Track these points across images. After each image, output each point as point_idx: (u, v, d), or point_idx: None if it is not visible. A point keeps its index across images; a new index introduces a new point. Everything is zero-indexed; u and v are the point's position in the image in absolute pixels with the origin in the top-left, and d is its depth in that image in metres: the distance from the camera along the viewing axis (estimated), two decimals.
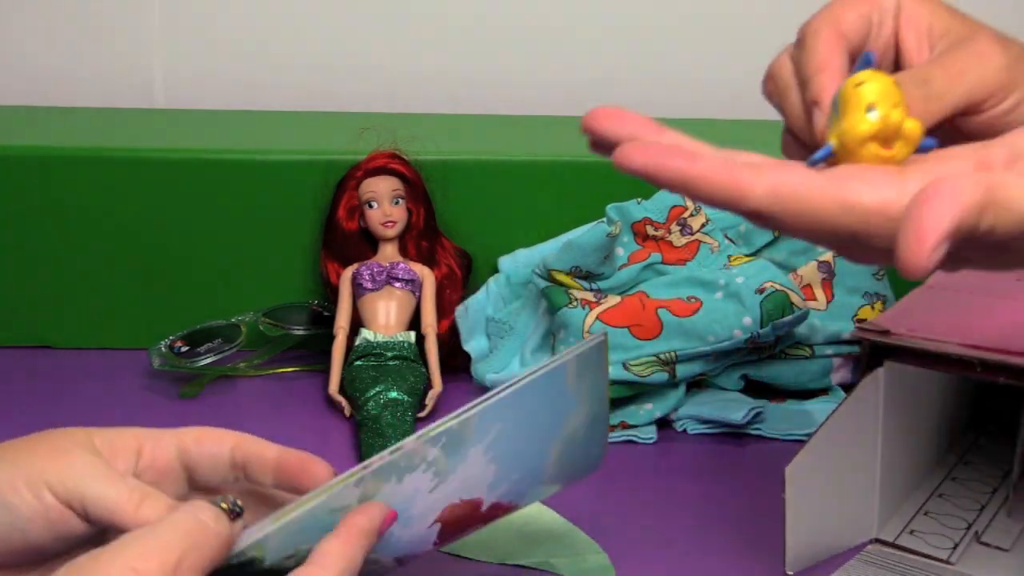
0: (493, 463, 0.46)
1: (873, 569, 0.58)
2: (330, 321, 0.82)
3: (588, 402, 0.48)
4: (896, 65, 0.45)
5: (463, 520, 0.47)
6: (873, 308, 0.80)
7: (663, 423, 0.76)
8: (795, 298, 0.74)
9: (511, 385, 0.45)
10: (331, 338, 0.80)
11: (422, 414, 0.76)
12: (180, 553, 0.37)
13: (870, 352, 0.57)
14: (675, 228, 0.79)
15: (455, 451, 0.44)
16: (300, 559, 0.41)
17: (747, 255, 0.80)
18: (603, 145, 0.38)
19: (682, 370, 0.75)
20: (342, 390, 0.77)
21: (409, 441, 0.43)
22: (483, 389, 0.79)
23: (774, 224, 0.36)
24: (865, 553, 0.59)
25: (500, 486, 0.47)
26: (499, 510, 0.48)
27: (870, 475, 0.60)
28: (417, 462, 0.44)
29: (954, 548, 0.60)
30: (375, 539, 0.42)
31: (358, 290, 0.81)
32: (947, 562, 0.59)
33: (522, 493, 0.49)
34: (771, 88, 0.44)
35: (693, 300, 0.75)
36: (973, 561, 0.59)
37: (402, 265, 0.81)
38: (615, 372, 0.73)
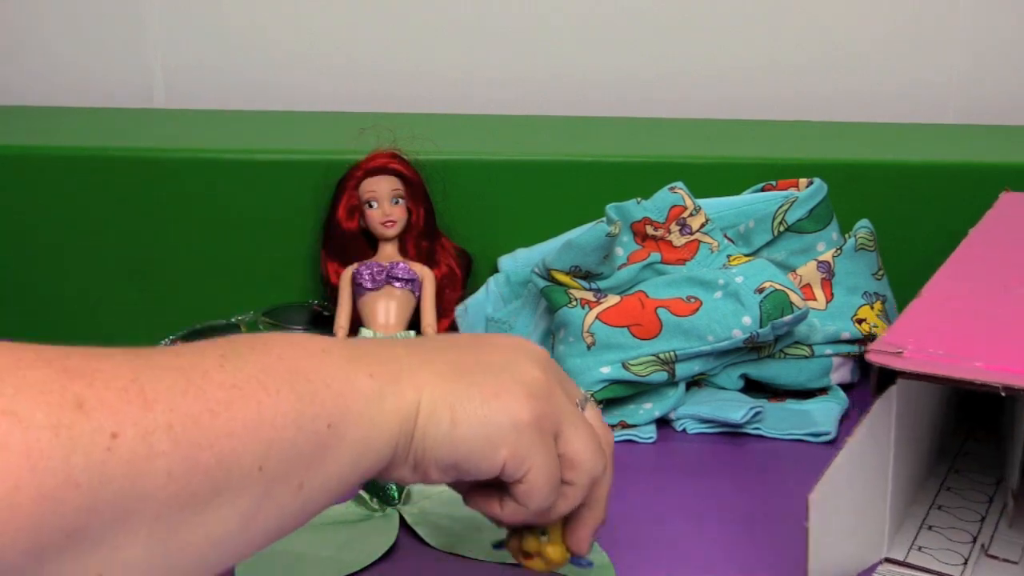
0: None
1: None
2: (330, 321, 0.82)
3: None
4: None
5: None
6: (873, 308, 0.80)
7: (663, 422, 0.76)
8: (794, 298, 0.74)
9: None
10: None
11: None
12: None
13: (880, 371, 0.56)
14: (675, 228, 0.80)
15: None
16: None
17: (746, 255, 0.80)
18: None
19: (681, 369, 0.75)
20: None
21: None
22: None
23: None
24: (877, 574, 0.58)
25: None
26: None
27: (882, 493, 0.58)
28: None
29: (964, 563, 0.59)
30: None
31: (358, 290, 0.81)
32: None
33: None
34: None
35: (693, 300, 0.75)
36: None
37: (402, 265, 0.81)
38: (615, 372, 0.73)
